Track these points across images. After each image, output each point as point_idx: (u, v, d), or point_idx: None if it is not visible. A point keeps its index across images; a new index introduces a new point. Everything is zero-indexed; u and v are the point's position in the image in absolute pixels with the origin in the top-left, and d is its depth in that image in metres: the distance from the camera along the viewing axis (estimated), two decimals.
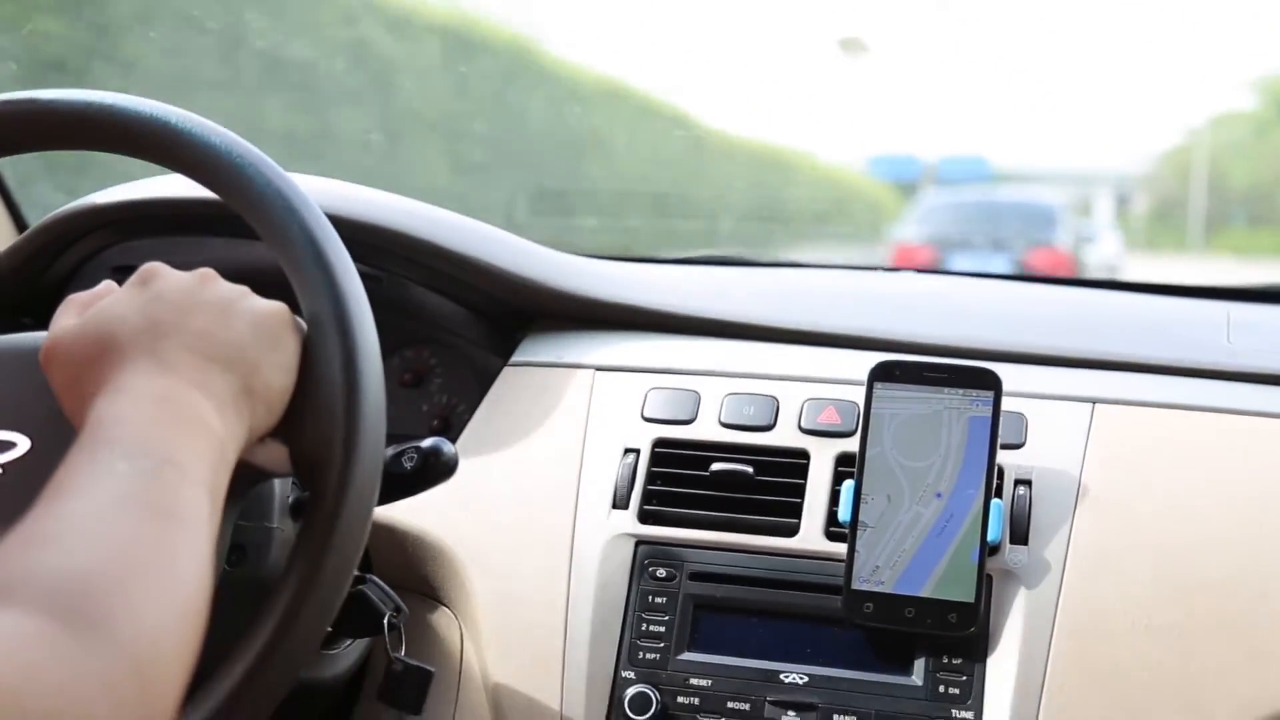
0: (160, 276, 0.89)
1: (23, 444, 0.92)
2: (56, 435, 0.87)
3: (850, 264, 1.81)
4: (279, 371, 0.87)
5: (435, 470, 1.02)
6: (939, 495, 1.16)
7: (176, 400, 0.80)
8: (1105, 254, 15.30)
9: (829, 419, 1.26)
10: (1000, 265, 11.69)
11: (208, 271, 0.91)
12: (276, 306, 0.90)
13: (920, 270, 1.80)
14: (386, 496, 0.98)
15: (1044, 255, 12.04)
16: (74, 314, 0.88)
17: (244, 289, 0.91)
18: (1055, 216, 13.03)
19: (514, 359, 1.41)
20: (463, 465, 1.05)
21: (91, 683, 0.62)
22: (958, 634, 1.12)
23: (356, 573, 0.95)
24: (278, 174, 0.94)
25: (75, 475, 0.73)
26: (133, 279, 0.89)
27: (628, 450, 1.28)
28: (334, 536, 0.86)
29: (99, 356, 0.83)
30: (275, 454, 0.89)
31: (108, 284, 0.93)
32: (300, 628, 0.85)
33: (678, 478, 1.26)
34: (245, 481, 0.89)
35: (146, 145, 0.96)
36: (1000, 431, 1.17)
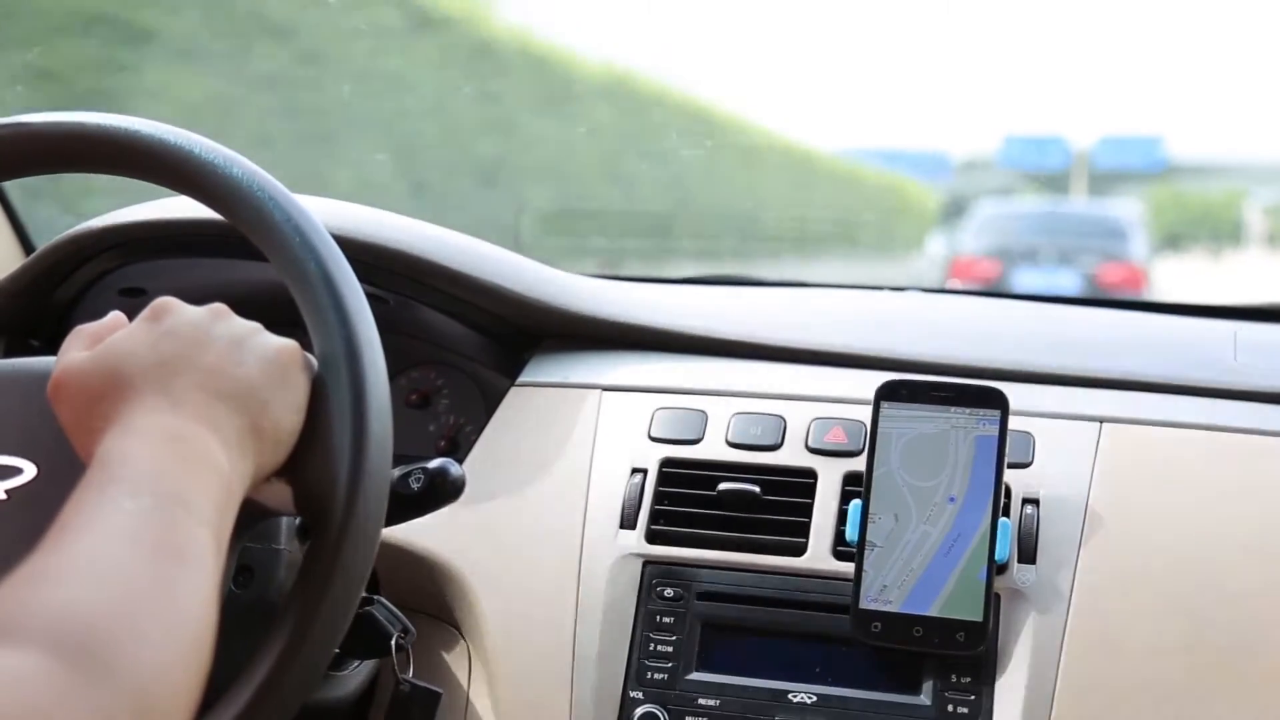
0: (172, 311, 0.89)
1: (29, 470, 0.92)
2: (63, 462, 0.87)
3: (857, 283, 1.80)
4: (288, 411, 0.87)
5: (442, 491, 1.02)
6: (951, 499, 1.15)
7: (185, 439, 0.80)
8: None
9: (836, 438, 1.26)
10: (1068, 280, 11.14)
11: (219, 307, 0.91)
12: (288, 344, 0.90)
13: (926, 290, 1.79)
14: (394, 517, 0.97)
15: (1117, 270, 11.38)
16: (82, 346, 0.88)
17: (256, 325, 0.91)
18: (1127, 230, 12.27)
19: (521, 379, 1.41)
20: (470, 486, 1.05)
21: None
22: (966, 653, 1.12)
23: (364, 594, 0.95)
24: (295, 207, 0.94)
25: (82, 512, 0.73)
26: (144, 313, 0.89)
27: (635, 470, 1.28)
28: (333, 580, 0.86)
29: (108, 392, 0.83)
30: (280, 493, 0.89)
31: (116, 315, 0.92)
32: (306, 655, 0.85)
33: (685, 497, 1.25)
34: (249, 519, 0.88)
35: (166, 172, 0.97)
36: (1007, 450, 1.17)
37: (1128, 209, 13.68)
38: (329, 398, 0.88)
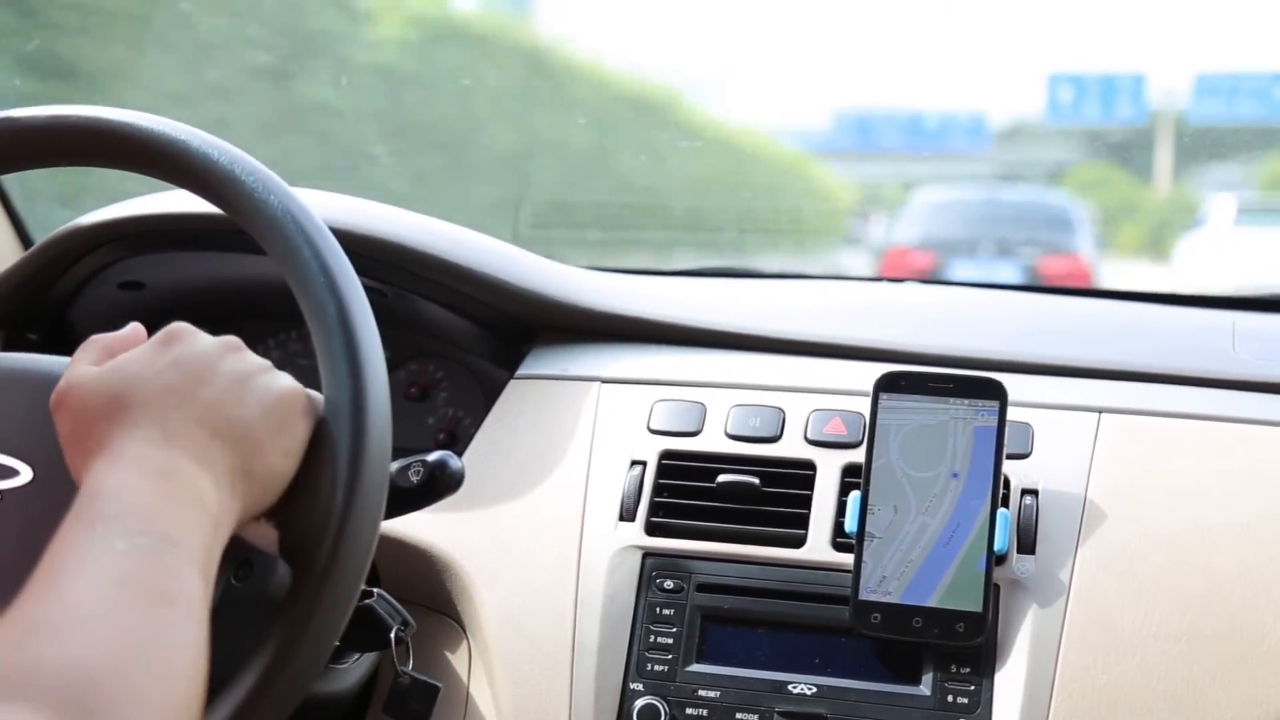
0: (182, 340, 0.88)
1: (25, 473, 0.91)
2: (59, 470, 0.87)
3: (856, 275, 1.80)
4: (282, 456, 0.86)
5: (441, 484, 1.01)
6: (955, 474, 1.15)
7: (176, 475, 0.80)
8: None
9: (835, 430, 1.26)
10: (1007, 273, 10.45)
11: (232, 340, 0.90)
12: (291, 388, 0.89)
13: (924, 280, 1.80)
14: (393, 511, 0.97)
15: (1060, 264, 10.74)
16: (92, 359, 0.88)
17: (265, 364, 0.90)
18: (1073, 219, 11.57)
19: (520, 372, 1.41)
20: (469, 479, 1.05)
21: None
22: (965, 644, 1.12)
23: (364, 587, 0.95)
24: (327, 246, 0.93)
25: (73, 551, 0.73)
26: (157, 336, 0.89)
27: (634, 462, 1.28)
28: (308, 627, 0.85)
29: (106, 414, 0.83)
30: (265, 534, 0.88)
31: (135, 329, 0.92)
32: (306, 647, 0.85)
33: (684, 490, 1.25)
34: (233, 555, 0.88)
35: (183, 174, 0.96)
36: (1006, 441, 1.17)
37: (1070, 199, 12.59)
38: (328, 446, 0.88)
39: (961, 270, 10.53)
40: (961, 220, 11.56)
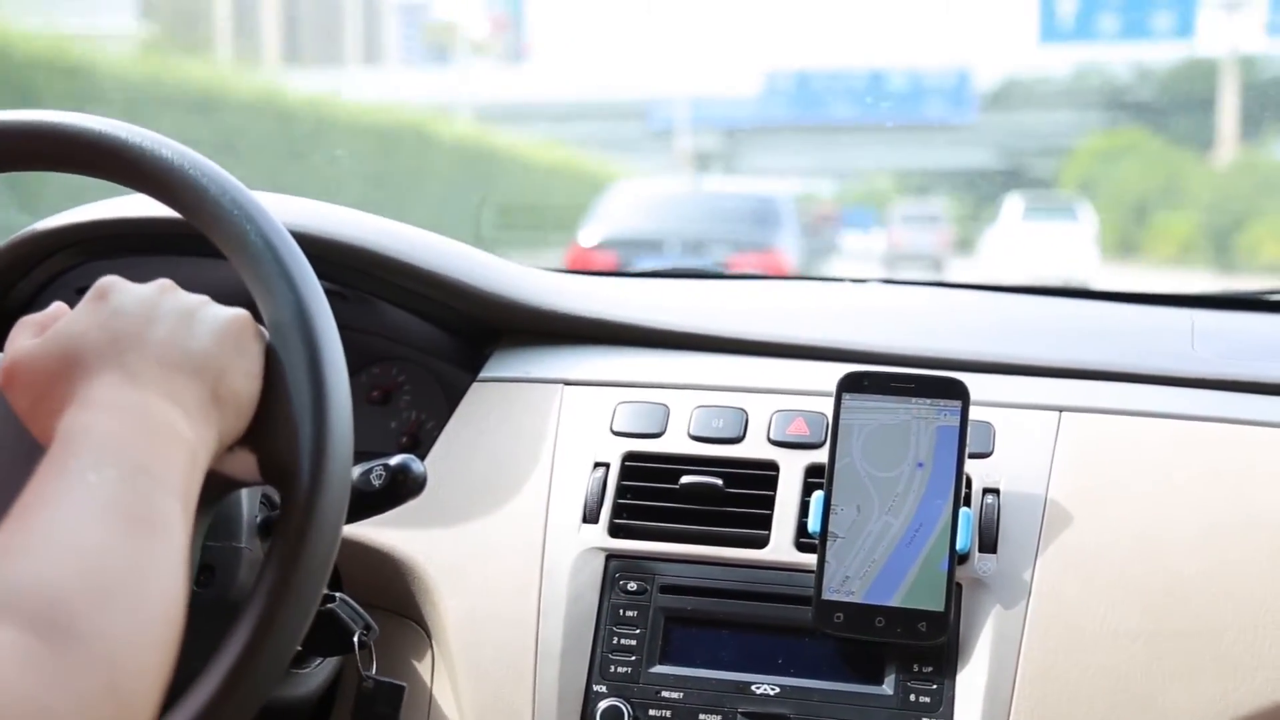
0: (117, 290, 0.88)
1: None
2: (18, 457, 0.86)
3: (818, 276, 1.81)
4: (245, 378, 0.87)
5: (404, 487, 1.01)
6: (920, 465, 1.16)
7: (145, 410, 0.80)
8: None
9: (798, 430, 1.26)
10: None
11: (166, 282, 0.91)
12: (238, 313, 0.90)
13: (888, 281, 1.80)
14: (355, 514, 0.97)
15: (754, 261, 10.09)
16: (30, 334, 0.88)
17: (204, 298, 0.91)
18: (781, 214, 11.06)
19: (482, 374, 1.41)
20: (432, 482, 1.05)
21: (66, 696, 0.62)
22: (928, 643, 1.13)
23: (326, 591, 0.95)
24: (233, 184, 0.93)
25: (45, 488, 0.73)
26: (89, 294, 0.89)
27: (597, 464, 1.28)
28: (305, 542, 0.85)
29: (63, 373, 0.82)
30: (244, 462, 0.89)
31: (59, 305, 0.92)
32: (269, 649, 0.84)
33: (647, 491, 1.25)
34: (215, 491, 0.88)
35: (101, 162, 0.96)
36: (968, 441, 1.17)
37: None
38: (284, 363, 0.88)
39: (646, 268, 10.15)
40: (657, 216, 10.89)
